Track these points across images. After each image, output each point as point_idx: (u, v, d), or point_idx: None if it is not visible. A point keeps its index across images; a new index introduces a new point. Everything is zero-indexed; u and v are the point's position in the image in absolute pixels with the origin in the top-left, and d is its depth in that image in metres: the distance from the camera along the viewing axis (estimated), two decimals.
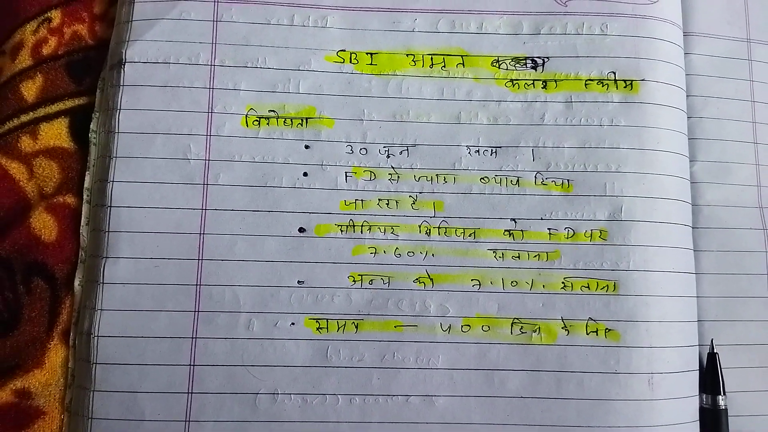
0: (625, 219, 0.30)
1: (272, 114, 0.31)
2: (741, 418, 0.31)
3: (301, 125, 0.31)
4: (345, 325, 0.30)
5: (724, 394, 0.30)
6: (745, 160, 0.34)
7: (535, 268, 0.30)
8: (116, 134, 0.30)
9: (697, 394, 0.30)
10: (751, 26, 0.35)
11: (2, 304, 0.30)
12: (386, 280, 0.30)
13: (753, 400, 0.31)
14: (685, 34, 0.34)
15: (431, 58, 0.32)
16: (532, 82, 0.32)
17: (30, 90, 0.32)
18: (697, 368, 0.31)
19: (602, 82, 0.32)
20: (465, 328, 0.30)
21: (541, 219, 0.31)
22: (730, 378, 0.31)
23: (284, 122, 0.31)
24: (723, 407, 0.30)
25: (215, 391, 0.29)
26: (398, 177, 0.31)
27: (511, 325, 0.30)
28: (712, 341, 0.31)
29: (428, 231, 0.31)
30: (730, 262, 0.32)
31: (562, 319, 0.30)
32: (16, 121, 0.32)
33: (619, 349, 0.29)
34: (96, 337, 0.29)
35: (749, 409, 0.31)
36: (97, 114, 0.32)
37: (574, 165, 0.31)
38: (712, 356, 0.31)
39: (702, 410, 0.30)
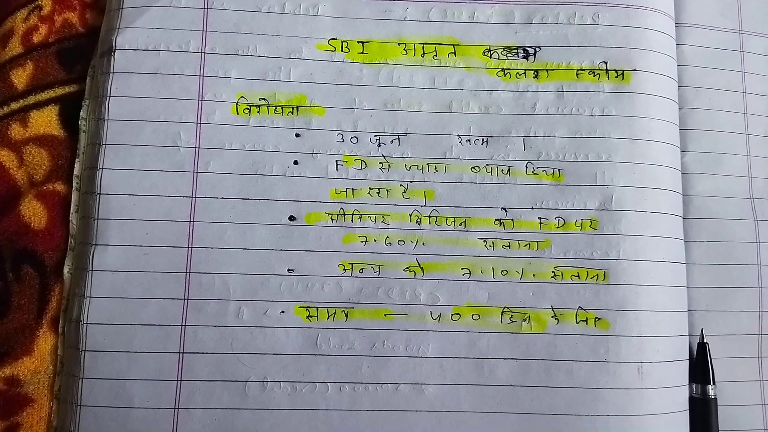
0: (616, 209, 0.30)
1: (263, 102, 0.31)
2: (730, 407, 0.31)
3: (292, 113, 0.31)
4: (335, 313, 0.30)
5: (714, 383, 0.30)
6: (737, 151, 0.34)
7: (526, 257, 0.30)
8: (106, 122, 0.30)
9: (687, 383, 0.31)
10: (744, 17, 0.35)
11: None
12: (376, 269, 0.30)
13: (742, 390, 0.31)
14: (677, 25, 0.34)
15: (423, 47, 0.32)
16: (523, 71, 0.32)
17: (20, 77, 0.32)
18: (687, 358, 0.31)
19: (594, 72, 0.32)
20: (455, 317, 0.30)
21: (532, 208, 0.31)
22: (719, 368, 0.31)
23: (275, 110, 0.31)
24: (713, 397, 0.30)
25: (204, 379, 0.29)
26: (389, 166, 0.31)
27: (501, 314, 0.30)
28: (702, 331, 0.31)
29: (419, 220, 0.31)
30: (720, 253, 0.32)
31: (552, 308, 0.30)
32: (6, 109, 0.32)
33: (608, 338, 0.29)
34: (85, 325, 0.29)
35: (739, 398, 0.31)
36: (87, 101, 0.32)
37: (565, 154, 0.31)
38: (702, 346, 0.31)
39: (692, 400, 0.30)
